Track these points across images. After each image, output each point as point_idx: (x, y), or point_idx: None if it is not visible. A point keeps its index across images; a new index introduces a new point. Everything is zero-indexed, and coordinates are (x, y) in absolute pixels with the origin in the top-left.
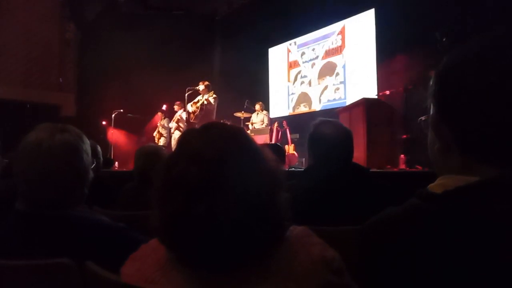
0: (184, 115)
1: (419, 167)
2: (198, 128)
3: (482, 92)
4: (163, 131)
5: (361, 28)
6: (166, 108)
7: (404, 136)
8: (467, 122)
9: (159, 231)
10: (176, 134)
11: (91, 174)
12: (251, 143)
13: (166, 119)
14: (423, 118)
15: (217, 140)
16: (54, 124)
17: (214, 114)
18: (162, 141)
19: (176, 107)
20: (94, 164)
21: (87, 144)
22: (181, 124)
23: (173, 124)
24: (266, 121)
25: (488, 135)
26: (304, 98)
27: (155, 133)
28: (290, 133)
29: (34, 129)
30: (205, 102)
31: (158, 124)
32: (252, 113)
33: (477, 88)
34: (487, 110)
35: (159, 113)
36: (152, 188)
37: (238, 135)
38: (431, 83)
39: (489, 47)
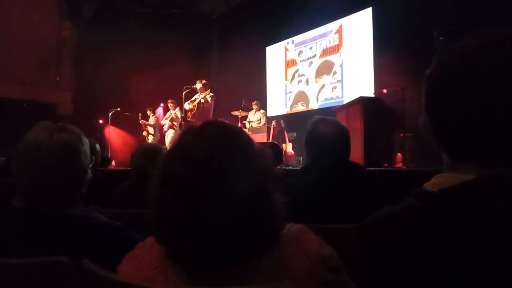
0: (178, 113)
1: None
2: (195, 127)
3: (465, 93)
4: (151, 130)
5: (359, 26)
6: (163, 106)
7: (401, 135)
8: (450, 122)
9: (151, 229)
10: (170, 132)
11: (90, 174)
12: (246, 142)
13: (154, 116)
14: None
15: (208, 139)
16: (54, 124)
17: (211, 112)
18: (150, 139)
19: (170, 105)
20: (92, 163)
21: (86, 144)
22: (174, 123)
23: (166, 122)
24: (263, 120)
25: (471, 135)
26: (301, 96)
27: (144, 132)
28: (287, 132)
29: (33, 127)
30: (202, 101)
31: (147, 122)
32: (249, 112)
33: (460, 88)
34: (470, 111)
35: (148, 111)
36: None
37: (232, 134)
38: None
39: (474, 49)
